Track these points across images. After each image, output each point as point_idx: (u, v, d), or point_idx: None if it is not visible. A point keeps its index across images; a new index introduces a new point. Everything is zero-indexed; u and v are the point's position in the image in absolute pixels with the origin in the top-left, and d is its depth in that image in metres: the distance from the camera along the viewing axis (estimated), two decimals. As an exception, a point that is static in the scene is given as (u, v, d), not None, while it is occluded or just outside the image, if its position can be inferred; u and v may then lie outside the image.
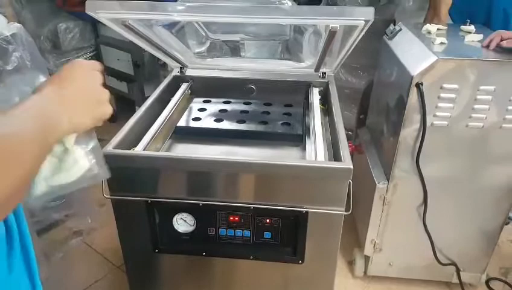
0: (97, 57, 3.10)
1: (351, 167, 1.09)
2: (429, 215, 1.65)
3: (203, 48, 1.72)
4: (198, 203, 1.19)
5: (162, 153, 1.27)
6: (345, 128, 1.30)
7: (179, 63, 1.62)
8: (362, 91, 2.30)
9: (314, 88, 1.61)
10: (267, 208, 1.17)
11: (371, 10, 1.01)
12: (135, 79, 2.95)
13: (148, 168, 1.16)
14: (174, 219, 1.23)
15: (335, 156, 1.24)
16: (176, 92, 1.58)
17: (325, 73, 1.62)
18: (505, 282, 1.91)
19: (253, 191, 1.18)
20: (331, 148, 1.31)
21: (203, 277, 1.35)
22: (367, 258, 1.85)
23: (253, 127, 1.39)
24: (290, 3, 1.46)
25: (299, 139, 1.35)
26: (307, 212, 1.16)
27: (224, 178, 1.17)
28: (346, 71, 2.61)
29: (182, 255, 1.31)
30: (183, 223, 1.25)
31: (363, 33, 1.12)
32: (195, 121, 1.42)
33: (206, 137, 1.37)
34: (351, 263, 1.98)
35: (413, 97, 1.45)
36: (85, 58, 3.02)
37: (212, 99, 1.58)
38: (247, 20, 1.14)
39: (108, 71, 3.02)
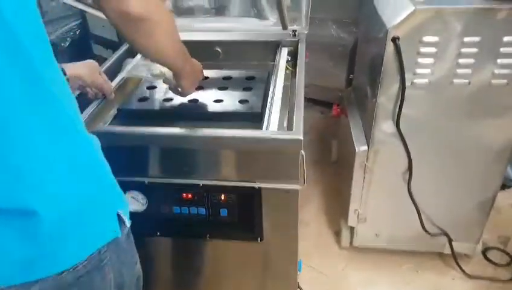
0: (83, 24, 2.99)
1: (301, 137, 0.96)
2: (415, 182, 1.52)
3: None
4: (144, 181, 1.10)
5: (105, 128, 1.16)
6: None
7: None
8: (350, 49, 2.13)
9: (283, 48, 1.45)
10: (216, 185, 1.07)
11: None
12: (119, 46, 2.83)
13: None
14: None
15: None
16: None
17: (295, 31, 1.46)
18: (504, 251, 1.77)
19: (199, 167, 1.07)
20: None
21: (158, 258, 1.28)
22: (352, 229, 1.75)
23: (205, 107, 1.20)
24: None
25: (257, 118, 1.14)
26: (259, 188, 1.06)
27: (164, 153, 1.07)
28: (337, 27, 2.41)
29: (136, 235, 1.23)
30: (134, 202, 1.16)
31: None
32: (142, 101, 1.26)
33: (152, 120, 1.16)
34: (338, 234, 1.88)
35: (389, 53, 1.29)
36: (71, 27, 2.93)
37: None
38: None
39: (94, 39, 2.92)
